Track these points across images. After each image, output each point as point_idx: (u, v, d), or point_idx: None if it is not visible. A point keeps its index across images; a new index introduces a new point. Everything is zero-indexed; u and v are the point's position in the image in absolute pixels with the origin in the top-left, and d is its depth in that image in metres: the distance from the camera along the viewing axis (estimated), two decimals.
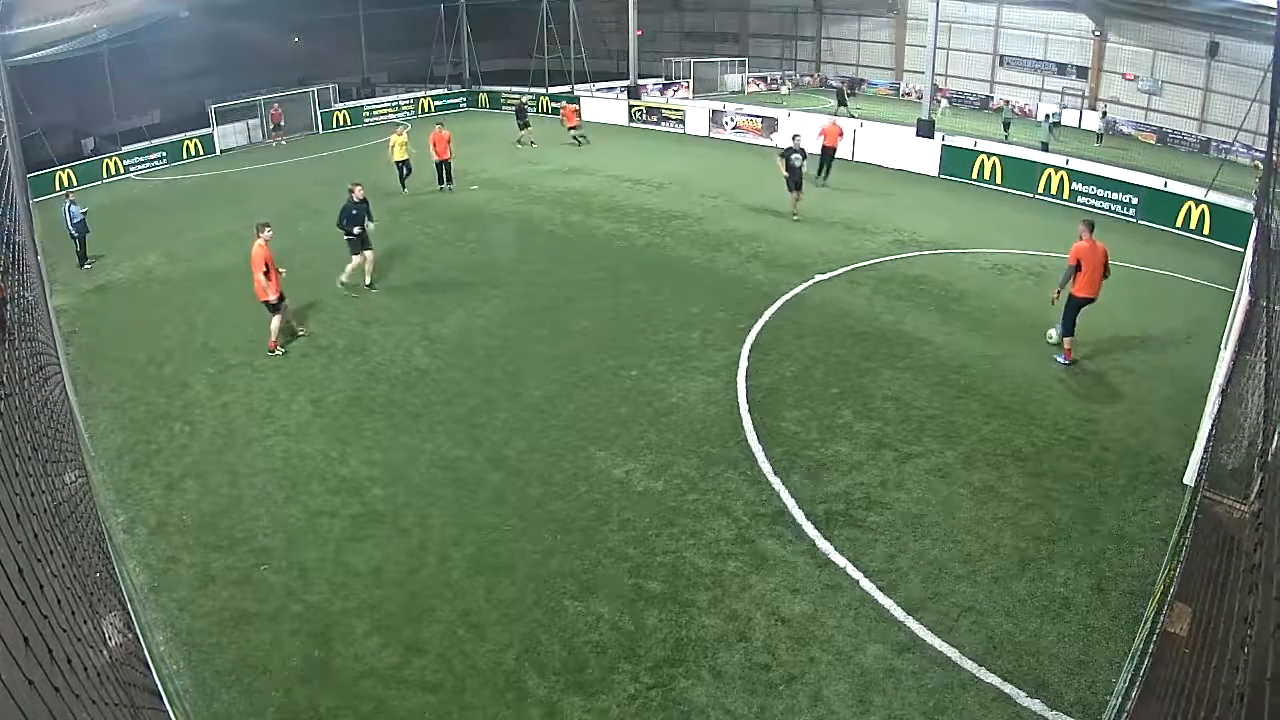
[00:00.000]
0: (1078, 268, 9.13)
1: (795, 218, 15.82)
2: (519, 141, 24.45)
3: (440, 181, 18.87)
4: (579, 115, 25.81)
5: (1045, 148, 22.35)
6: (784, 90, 39.29)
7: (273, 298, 10.18)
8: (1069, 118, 32.22)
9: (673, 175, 20.25)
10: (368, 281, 12.68)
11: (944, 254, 13.87)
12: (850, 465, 7.64)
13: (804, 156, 15.71)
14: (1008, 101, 32.86)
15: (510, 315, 11.53)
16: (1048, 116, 26.24)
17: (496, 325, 11.17)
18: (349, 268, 12.55)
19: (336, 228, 12.30)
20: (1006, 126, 28.83)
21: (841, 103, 30.87)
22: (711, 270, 13.19)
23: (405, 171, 18.89)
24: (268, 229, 10.09)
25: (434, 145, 18.42)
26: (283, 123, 28.47)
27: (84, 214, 14.93)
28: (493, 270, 13.51)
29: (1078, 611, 5.75)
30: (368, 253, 12.56)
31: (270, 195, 20.10)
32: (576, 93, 32.21)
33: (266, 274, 10.01)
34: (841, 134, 19.16)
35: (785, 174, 15.65)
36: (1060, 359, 9.63)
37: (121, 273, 14.57)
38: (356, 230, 12.29)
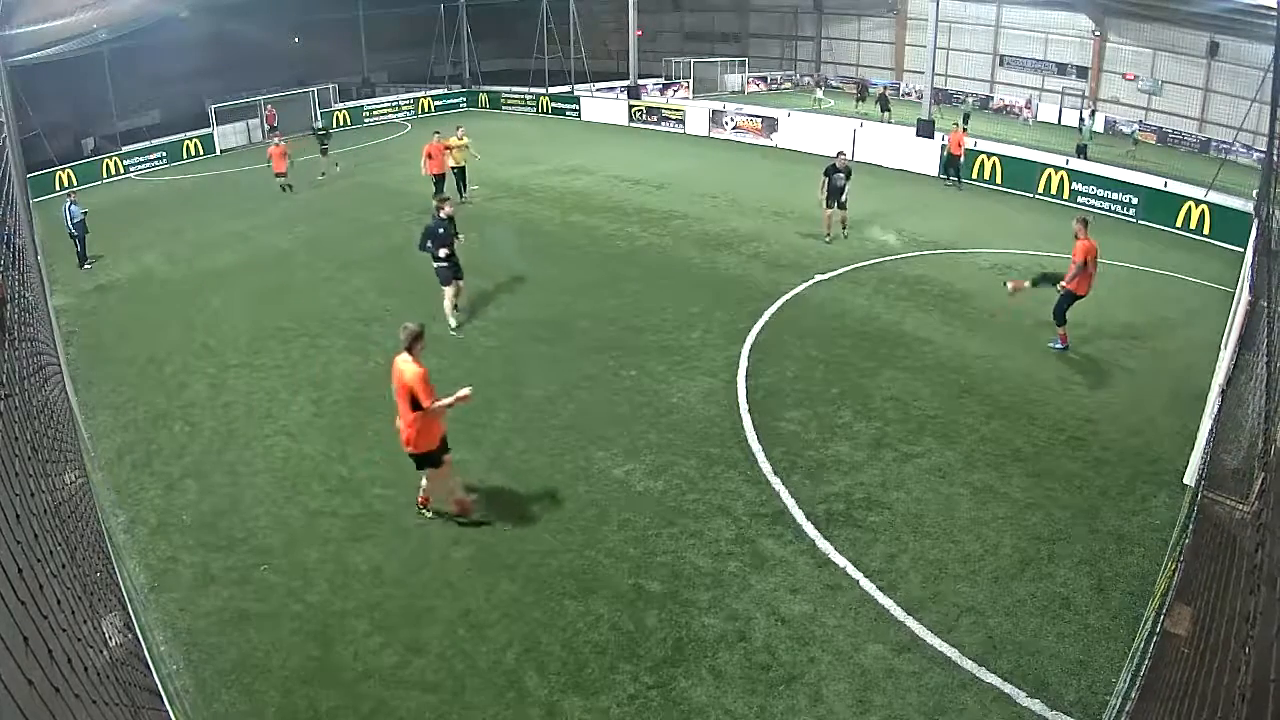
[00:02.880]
0: (1084, 265, 9.36)
1: (828, 239, 14.48)
2: (322, 173, 21.08)
3: (438, 192, 16.67)
4: (288, 158, 19.66)
5: (1083, 152, 21.61)
6: (818, 94, 36.44)
7: (434, 446, 6.52)
8: (1069, 118, 32.27)
9: (673, 175, 20.26)
10: (453, 324, 10.93)
11: (944, 254, 13.87)
12: (850, 465, 7.63)
13: (848, 176, 14.23)
14: (974, 97, 33.28)
15: (510, 315, 11.52)
16: (1083, 120, 26.13)
17: (496, 325, 11.17)
18: (446, 305, 10.92)
19: (420, 250, 10.86)
20: (965, 119, 28.87)
21: (884, 108, 29.94)
22: (711, 270, 13.19)
23: (461, 178, 17.85)
24: (420, 341, 6.37)
25: (431, 157, 16.92)
26: (277, 123, 28.27)
27: (84, 214, 14.89)
28: (492, 270, 13.50)
29: (1078, 611, 5.75)
30: (460, 282, 10.90)
31: (271, 195, 20.08)
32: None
33: (416, 405, 6.25)
34: (961, 142, 18.83)
35: (822, 194, 14.30)
36: (1057, 344, 9.95)
37: (121, 273, 14.57)
38: (444, 253, 10.58)
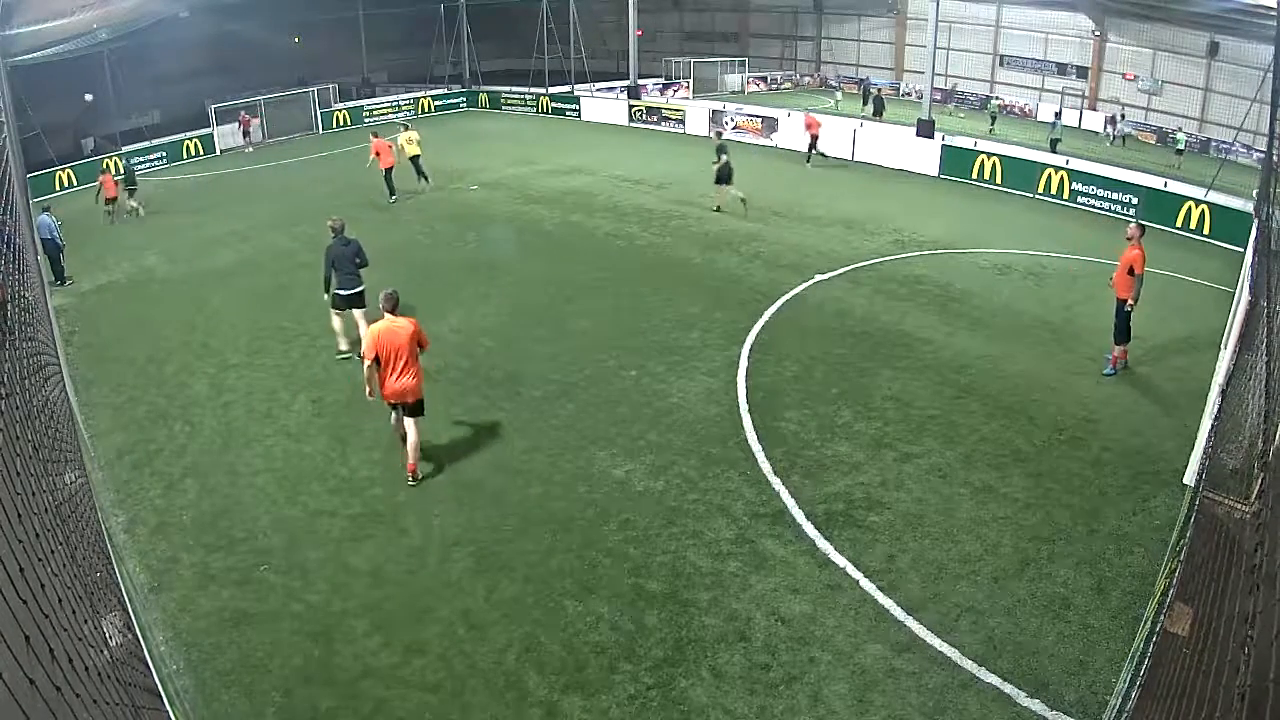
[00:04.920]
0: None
1: (729, 211, 16.42)
2: (128, 211, 18.53)
3: (391, 193, 17.98)
4: (121, 186, 18.45)
5: (1054, 146, 22.51)
6: (838, 96, 35.86)
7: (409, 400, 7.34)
8: (1068, 118, 32.36)
9: (673, 175, 20.25)
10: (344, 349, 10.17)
11: (944, 254, 13.87)
12: (850, 465, 7.63)
13: (721, 154, 16.32)
14: (997, 98, 33.11)
15: (510, 315, 11.52)
16: (1057, 116, 26.53)
17: (496, 325, 11.17)
18: (348, 326, 10.04)
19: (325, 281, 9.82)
20: (993, 120, 28.96)
21: (877, 111, 28.99)
22: (711, 270, 13.19)
23: (417, 170, 18.49)
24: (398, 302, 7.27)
25: (379, 155, 17.60)
26: (250, 130, 27.63)
27: (58, 226, 13.84)
28: (493, 270, 13.51)
29: (1078, 611, 5.75)
30: (356, 312, 9.81)
31: (271, 195, 20.10)
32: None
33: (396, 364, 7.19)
34: (815, 122, 21.41)
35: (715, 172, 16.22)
36: (1110, 368, 9.41)
37: (121, 273, 14.56)
38: (346, 290, 9.69)
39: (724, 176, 16.14)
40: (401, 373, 7.21)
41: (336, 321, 10.05)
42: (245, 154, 26.67)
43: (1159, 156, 25.90)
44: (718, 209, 16.52)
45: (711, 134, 16.77)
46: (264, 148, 27.53)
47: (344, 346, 10.20)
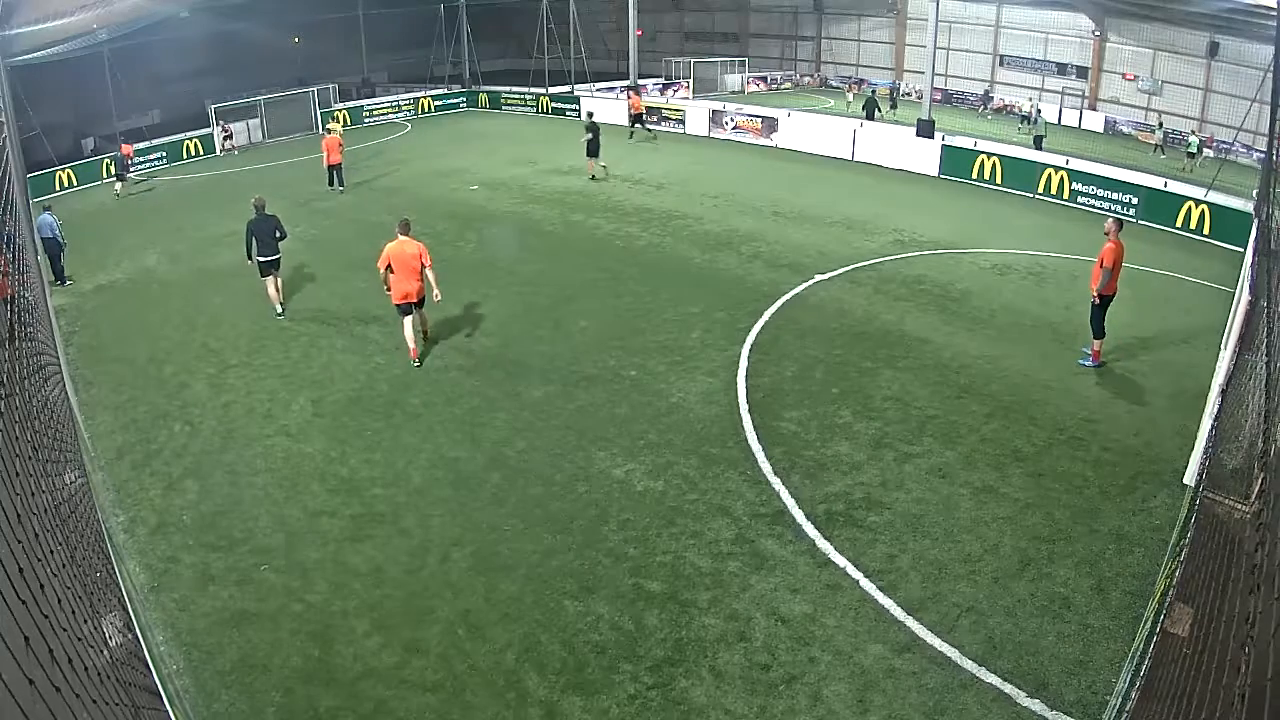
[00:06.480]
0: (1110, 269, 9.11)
1: (599, 179, 19.63)
2: (115, 194, 21.22)
3: (330, 184, 19.76)
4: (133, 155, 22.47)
5: (1039, 142, 22.96)
6: (850, 97, 35.43)
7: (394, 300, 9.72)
8: (1069, 118, 32.41)
9: (673, 175, 20.26)
10: (279, 310, 11.81)
11: (944, 254, 13.87)
12: (850, 465, 7.63)
13: (597, 133, 19.43)
14: (1029, 100, 32.85)
15: (510, 315, 11.52)
16: (1038, 112, 26.90)
17: (496, 325, 11.17)
18: (274, 293, 11.74)
19: (254, 255, 11.42)
20: (1025, 120, 29.10)
21: (870, 115, 26.59)
22: (711, 270, 13.19)
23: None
24: (399, 226, 9.77)
25: (329, 151, 19.57)
26: (232, 134, 27.25)
27: (59, 226, 13.73)
28: (493, 270, 13.51)
29: (1078, 611, 5.75)
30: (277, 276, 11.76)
31: (270, 195, 20.03)
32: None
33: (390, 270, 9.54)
34: (639, 103, 26.03)
35: (582, 143, 19.36)
36: (1088, 361, 9.53)
37: (121, 273, 14.55)
38: (265, 257, 11.44)
39: (592, 150, 19.34)
40: (407, 279, 9.55)
41: (270, 288, 11.70)
42: (234, 156, 26.50)
43: (1166, 158, 25.70)
44: (593, 178, 19.58)
45: (584, 114, 21.42)
46: (249, 150, 27.24)
47: (279, 309, 11.83)
